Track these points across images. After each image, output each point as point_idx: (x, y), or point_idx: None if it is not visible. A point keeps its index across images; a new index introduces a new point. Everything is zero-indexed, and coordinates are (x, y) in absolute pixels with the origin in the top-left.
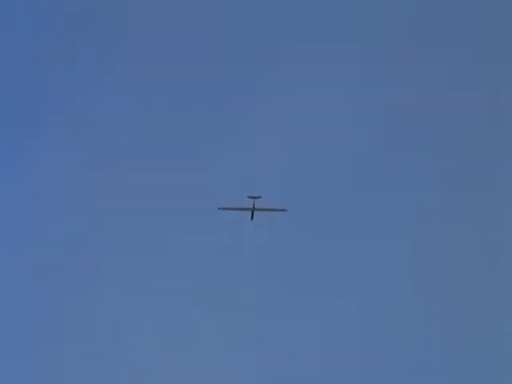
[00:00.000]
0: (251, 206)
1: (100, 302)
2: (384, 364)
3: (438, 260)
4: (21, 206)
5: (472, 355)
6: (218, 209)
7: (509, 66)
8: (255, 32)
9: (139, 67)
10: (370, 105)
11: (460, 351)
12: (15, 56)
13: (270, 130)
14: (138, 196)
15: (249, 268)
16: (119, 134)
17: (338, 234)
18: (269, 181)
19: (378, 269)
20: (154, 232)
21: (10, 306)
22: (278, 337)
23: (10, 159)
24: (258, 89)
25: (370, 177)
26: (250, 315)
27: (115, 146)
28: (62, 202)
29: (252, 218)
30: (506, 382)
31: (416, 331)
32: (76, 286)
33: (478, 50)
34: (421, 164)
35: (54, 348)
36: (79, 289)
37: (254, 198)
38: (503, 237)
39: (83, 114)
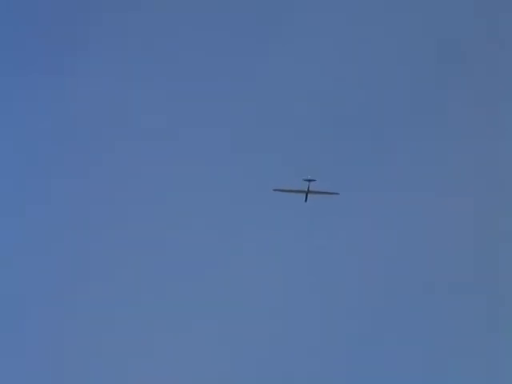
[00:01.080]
0: (305, 189)
1: (147, 287)
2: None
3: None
4: None
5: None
6: (273, 190)
7: None
8: None
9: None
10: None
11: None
12: None
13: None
14: (193, 175)
15: (302, 249)
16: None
17: (386, 217)
18: (322, 165)
19: (427, 254)
20: (209, 212)
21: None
22: (336, 313)
23: None
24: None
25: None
26: (306, 296)
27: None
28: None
29: (306, 199)
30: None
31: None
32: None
33: None
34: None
35: (53, 347)
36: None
37: (308, 180)
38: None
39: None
